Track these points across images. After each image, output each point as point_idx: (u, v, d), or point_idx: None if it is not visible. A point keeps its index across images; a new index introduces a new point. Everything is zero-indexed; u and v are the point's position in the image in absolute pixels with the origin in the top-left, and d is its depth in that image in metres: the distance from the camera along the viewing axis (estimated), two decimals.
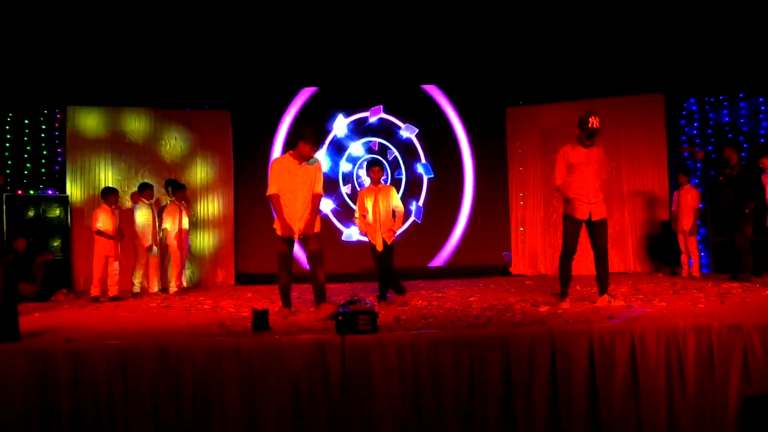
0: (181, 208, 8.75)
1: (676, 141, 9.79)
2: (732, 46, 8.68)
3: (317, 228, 5.70)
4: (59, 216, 9.21)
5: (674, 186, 8.78)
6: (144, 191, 8.56)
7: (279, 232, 5.63)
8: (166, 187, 9.05)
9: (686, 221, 8.22)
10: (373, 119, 10.13)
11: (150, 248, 8.49)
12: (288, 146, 9.96)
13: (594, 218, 5.54)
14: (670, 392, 4.23)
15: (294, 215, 5.59)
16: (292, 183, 5.57)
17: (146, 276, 8.63)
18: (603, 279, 5.65)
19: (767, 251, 7.01)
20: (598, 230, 5.59)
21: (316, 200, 5.68)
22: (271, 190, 5.61)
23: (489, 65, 9.89)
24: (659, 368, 4.24)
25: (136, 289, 8.47)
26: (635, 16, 8.73)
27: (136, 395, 4.16)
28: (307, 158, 5.63)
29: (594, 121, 5.39)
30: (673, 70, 9.38)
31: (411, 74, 10.08)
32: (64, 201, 9.30)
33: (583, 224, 5.62)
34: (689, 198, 8.25)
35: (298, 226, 5.59)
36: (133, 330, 5.13)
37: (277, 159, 5.81)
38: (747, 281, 7.18)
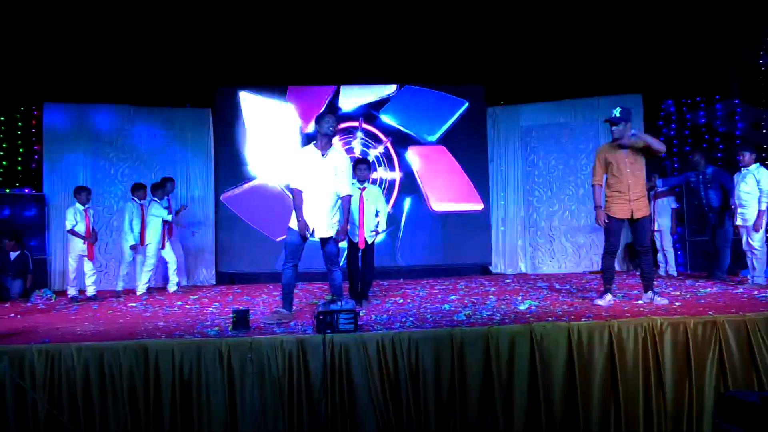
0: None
1: None
2: (708, 50, 8.80)
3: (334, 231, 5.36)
4: (35, 215, 9.08)
5: (650, 186, 8.87)
6: (137, 191, 8.56)
7: (295, 227, 5.24)
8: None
9: (663, 221, 8.35)
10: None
11: (136, 247, 8.45)
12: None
13: (636, 216, 5.49)
14: (648, 388, 4.29)
15: (314, 211, 5.22)
16: (314, 176, 5.20)
17: (132, 275, 8.64)
18: (645, 276, 5.62)
19: (741, 251, 7.13)
20: (639, 228, 5.56)
21: (345, 202, 5.35)
22: (295, 183, 5.24)
23: (471, 64, 9.93)
24: (637, 364, 4.30)
25: (120, 287, 8.50)
26: (615, 18, 8.80)
27: (114, 396, 4.12)
28: (327, 134, 5.24)
29: (614, 111, 5.44)
30: (652, 71, 9.49)
31: (391, 73, 10.09)
32: (40, 200, 9.18)
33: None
34: (665, 198, 8.37)
35: (316, 224, 5.24)
36: (111, 330, 5.07)
37: (300, 150, 5.41)
38: (723, 279, 7.31)
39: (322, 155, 5.27)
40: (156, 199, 8.43)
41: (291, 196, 5.36)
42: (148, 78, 9.54)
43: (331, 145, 5.34)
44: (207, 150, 10.03)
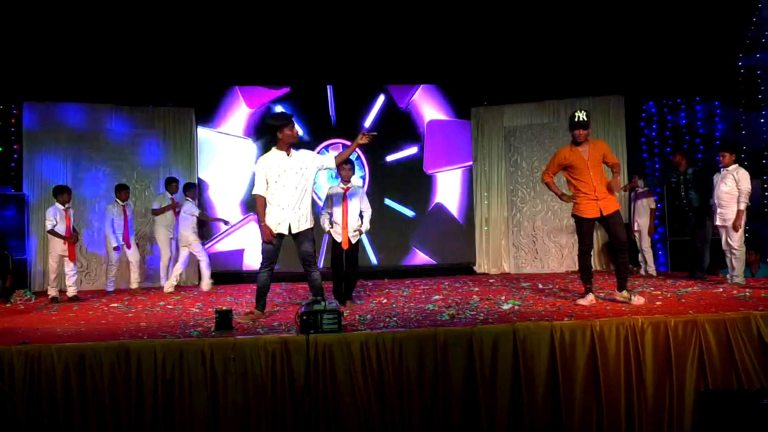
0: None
1: (635, 142, 10.02)
2: (689, 51, 8.90)
3: (309, 225, 5.42)
4: (15, 215, 8.96)
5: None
6: (120, 192, 8.58)
7: (263, 236, 5.29)
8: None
9: (643, 221, 8.44)
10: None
11: (119, 248, 8.46)
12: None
13: (606, 212, 5.53)
14: (629, 386, 4.33)
15: (287, 210, 5.29)
16: (283, 177, 5.29)
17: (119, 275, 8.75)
18: (620, 274, 5.66)
19: (721, 250, 7.22)
20: (612, 224, 5.58)
21: (336, 156, 5.63)
22: (257, 189, 5.33)
23: (454, 65, 9.95)
24: (618, 363, 4.33)
25: (109, 288, 8.52)
26: (597, 20, 8.87)
27: (95, 397, 4.08)
28: (292, 142, 5.36)
29: (580, 115, 5.49)
30: (633, 73, 9.58)
31: (375, 74, 10.08)
32: (19, 199, 9.06)
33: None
34: (645, 198, 8.46)
35: (291, 222, 5.31)
36: (92, 330, 5.02)
37: (262, 156, 5.45)
38: (703, 279, 7.39)
39: (287, 155, 5.35)
40: (189, 198, 8.52)
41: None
42: (130, 77, 9.43)
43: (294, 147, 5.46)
44: (190, 149, 9.97)
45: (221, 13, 8.72)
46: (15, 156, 9.35)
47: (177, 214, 8.76)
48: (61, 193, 7.84)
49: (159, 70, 9.44)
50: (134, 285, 8.69)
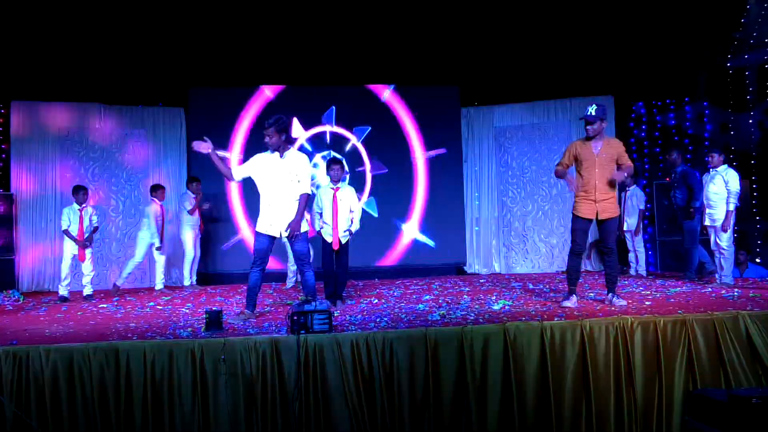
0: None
1: (625, 143, 10.01)
2: (678, 52, 8.95)
3: (303, 228, 5.43)
4: (3, 214, 8.89)
5: (622, 186, 9.00)
6: (156, 191, 8.57)
7: (262, 230, 5.33)
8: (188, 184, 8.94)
9: (632, 221, 8.48)
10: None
11: (162, 248, 8.56)
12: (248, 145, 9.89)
13: (601, 217, 5.47)
14: (619, 386, 4.35)
15: (276, 211, 5.30)
16: (272, 177, 5.29)
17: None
18: (607, 277, 5.66)
19: (710, 250, 7.26)
20: (604, 230, 5.56)
21: (302, 200, 5.33)
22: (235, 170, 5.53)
23: (444, 65, 9.96)
24: (608, 362, 4.36)
25: (120, 283, 8.53)
26: (588, 20, 8.91)
27: (84, 399, 4.06)
28: (272, 147, 5.30)
29: (590, 109, 5.37)
30: (623, 73, 9.62)
31: (362, 74, 10.07)
32: (8, 199, 8.99)
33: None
34: (635, 199, 8.50)
35: (281, 225, 5.31)
36: (81, 331, 4.99)
37: (259, 154, 5.49)
38: (691, 279, 7.43)
39: (281, 156, 5.34)
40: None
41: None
42: (119, 76, 9.37)
43: (288, 147, 5.39)
44: (180, 149, 9.92)
45: (220, 13, 8.71)
46: (3, 156, 9.27)
47: (200, 211, 8.83)
48: (75, 192, 7.74)
49: (148, 70, 9.38)
50: (159, 285, 8.63)
